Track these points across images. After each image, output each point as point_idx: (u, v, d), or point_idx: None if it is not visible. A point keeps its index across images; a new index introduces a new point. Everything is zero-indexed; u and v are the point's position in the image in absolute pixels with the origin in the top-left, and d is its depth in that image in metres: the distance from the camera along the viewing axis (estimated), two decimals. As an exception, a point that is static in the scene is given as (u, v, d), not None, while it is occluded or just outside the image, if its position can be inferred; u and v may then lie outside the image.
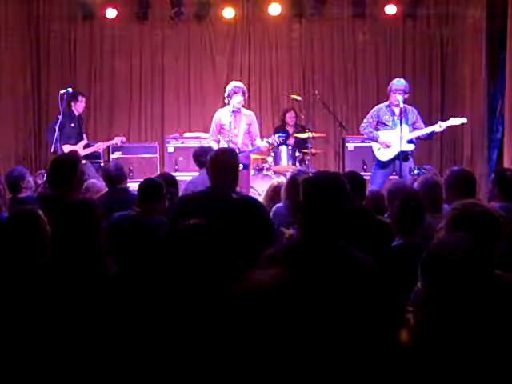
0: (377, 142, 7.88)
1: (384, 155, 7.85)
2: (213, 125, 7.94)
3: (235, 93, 7.78)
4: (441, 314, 2.21)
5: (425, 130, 7.81)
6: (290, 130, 9.88)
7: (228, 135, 7.77)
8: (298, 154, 9.12)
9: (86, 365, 2.64)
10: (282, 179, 8.21)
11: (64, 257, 2.86)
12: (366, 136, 8.13)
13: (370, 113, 8.04)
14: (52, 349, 2.65)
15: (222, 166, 4.31)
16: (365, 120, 8.02)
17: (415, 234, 3.76)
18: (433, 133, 7.88)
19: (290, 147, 9.12)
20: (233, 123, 7.80)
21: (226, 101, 7.92)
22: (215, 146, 7.67)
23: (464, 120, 7.90)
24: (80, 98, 9.08)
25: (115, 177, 5.93)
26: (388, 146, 7.79)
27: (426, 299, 2.29)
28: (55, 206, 3.24)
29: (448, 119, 7.99)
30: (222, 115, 7.88)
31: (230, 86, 7.92)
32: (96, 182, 6.12)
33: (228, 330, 1.64)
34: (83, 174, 4.69)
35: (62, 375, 2.62)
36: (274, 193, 5.65)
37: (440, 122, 7.86)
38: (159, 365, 2.31)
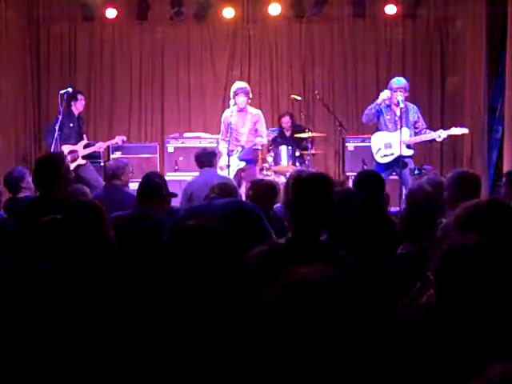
0: (379, 104, 7.84)
1: (383, 158, 7.83)
2: (222, 125, 8.29)
3: (236, 94, 8.12)
4: (456, 317, 2.19)
5: (424, 137, 7.78)
6: (287, 133, 9.90)
7: (233, 133, 8.09)
8: (297, 153, 9.12)
9: (91, 363, 2.64)
10: (282, 179, 8.25)
11: (71, 258, 2.86)
12: (367, 113, 7.98)
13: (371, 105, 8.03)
14: (57, 347, 2.65)
15: None
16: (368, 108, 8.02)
17: (424, 240, 3.59)
18: (433, 140, 7.86)
19: (289, 147, 9.12)
20: (238, 122, 8.16)
21: (232, 101, 8.17)
22: (224, 145, 7.98)
23: (465, 130, 7.85)
24: (79, 96, 9.08)
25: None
26: (390, 147, 7.77)
27: (439, 304, 2.27)
28: (44, 207, 3.25)
29: (449, 124, 8.03)
30: (229, 115, 8.15)
31: (233, 88, 8.24)
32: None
33: (273, 323, 1.66)
34: (68, 173, 4.65)
35: (68, 372, 2.63)
36: (270, 192, 5.67)
37: (441, 131, 7.79)
38: (165, 364, 2.32)
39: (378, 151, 7.88)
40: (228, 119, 8.11)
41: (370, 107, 7.94)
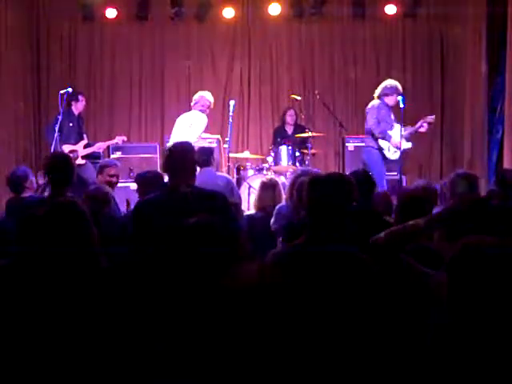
0: (389, 142, 7.98)
1: (393, 155, 7.95)
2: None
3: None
4: (467, 314, 2.18)
5: (412, 129, 8.04)
6: (290, 129, 9.89)
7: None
8: (297, 153, 9.13)
9: (77, 360, 2.64)
10: (282, 179, 8.25)
11: (56, 254, 2.86)
12: (380, 135, 8.05)
13: (372, 115, 8.04)
14: (44, 345, 2.65)
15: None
16: (373, 124, 8.05)
17: None
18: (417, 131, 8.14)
19: (289, 147, 9.13)
20: None
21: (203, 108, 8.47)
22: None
23: (432, 117, 8.15)
24: (80, 97, 9.09)
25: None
26: (398, 148, 7.88)
27: (450, 302, 2.26)
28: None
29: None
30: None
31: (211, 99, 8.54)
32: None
33: (219, 321, 1.67)
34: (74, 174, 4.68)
35: (53, 370, 2.63)
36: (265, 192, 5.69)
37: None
38: (154, 358, 2.32)
39: (389, 149, 8.02)
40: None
41: (380, 129, 8.02)
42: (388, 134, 7.99)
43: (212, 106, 8.57)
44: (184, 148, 4.21)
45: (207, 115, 8.46)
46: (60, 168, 4.53)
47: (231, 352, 1.80)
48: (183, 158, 4.11)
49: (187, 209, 3.52)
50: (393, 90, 7.99)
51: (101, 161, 9.40)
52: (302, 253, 2.74)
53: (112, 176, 6.32)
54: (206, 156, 6.74)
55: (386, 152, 8.01)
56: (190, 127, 8.33)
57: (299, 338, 1.74)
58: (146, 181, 5.57)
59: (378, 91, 8.09)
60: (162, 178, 5.58)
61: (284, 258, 2.77)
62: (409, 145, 8.05)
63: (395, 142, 7.91)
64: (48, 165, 4.65)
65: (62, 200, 3.25)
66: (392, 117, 8.01)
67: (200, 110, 8.43)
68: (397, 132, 7.86)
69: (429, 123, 8.11)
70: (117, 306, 2.68)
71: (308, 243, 2.78)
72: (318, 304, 2.54)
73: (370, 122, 8.03)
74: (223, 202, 4.13)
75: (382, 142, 8.01)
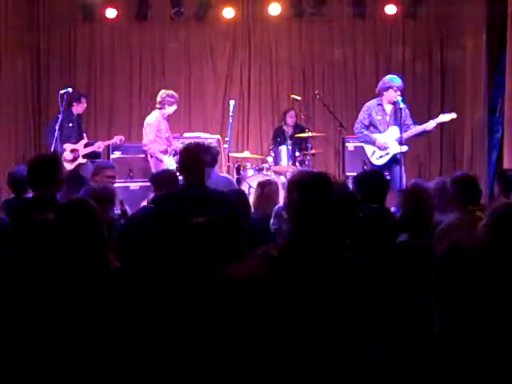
0: (374, 145, 7.81)
1: (379, 160, 7.80)
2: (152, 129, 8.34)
3: (174, 103, 8.40)
4: (455, 314, 2.18)
5: (415, 131, 7.73)
6: (290, 130, 9.88)
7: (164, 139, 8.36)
8: (297, 153, 9.13)
9: (85, 359, 2.64)
10: (282, 179, 8.26)
11: (65, 253, 2.86)
12: (361, 139, 8.02)
13: (361, 113, 7.95)
14: (51, 344, 2.65)
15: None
16: (358, 122, 7.95)
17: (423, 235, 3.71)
18: (424, 131, 7.82)
19: (289, 147, 9.13)
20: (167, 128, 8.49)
21: (160, 106, 8.38)
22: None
23: (453, 115, 7.80)
24: (83, 99, 9.11)
25: None
26: (385, 149, 7.74)
27: (438, 300, 2.26)
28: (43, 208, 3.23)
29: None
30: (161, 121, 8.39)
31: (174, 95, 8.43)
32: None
33: (215, 319, 1.68)
34: (63, 174, 4.62)
35: (62, 368, 2.62)
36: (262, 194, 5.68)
37: (431, 121, 7.79)
38: (161, 359, 2.32)
39: (373, 154, 7.85)
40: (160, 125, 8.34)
41: (364, 132, 7.88)
42: (369, 137, 7.79)
43: (169, 101, 8.40)
44: (196, 148, 4.42)
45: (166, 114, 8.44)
46: (39, 168, 4.45)
47: (225, 347, 1.80)
48: (195, 157, 4.30)
49: (200, 207, 3.62)
50: (387, 85, 7.76)
51: (100, 160, 9.44)
52: (286, 252, 2.74)
53: (110, 177, 6.30)
54: (208, 156, 6.72)
55: (370, 158, 7.87)
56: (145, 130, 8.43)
57: (291, 335, 1.75)
58: (161, 180, 5.59)
59: (378, 86, 7.90)
60: (177, 178, 5.58)
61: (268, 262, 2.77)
62: (404, 148, 7.66)
63: (380, 143, 7.71)
64: (29, 165, 4.59)
65: (75, 199, 3.26)
66: (387, 118, 7.80)
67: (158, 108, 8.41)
68: (390, 135, 7.70)
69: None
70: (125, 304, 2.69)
71: (292, 243, 2.78)
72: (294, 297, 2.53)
73: (356, 123, 7.96)
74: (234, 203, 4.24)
75: (366, 147, 7.91)
